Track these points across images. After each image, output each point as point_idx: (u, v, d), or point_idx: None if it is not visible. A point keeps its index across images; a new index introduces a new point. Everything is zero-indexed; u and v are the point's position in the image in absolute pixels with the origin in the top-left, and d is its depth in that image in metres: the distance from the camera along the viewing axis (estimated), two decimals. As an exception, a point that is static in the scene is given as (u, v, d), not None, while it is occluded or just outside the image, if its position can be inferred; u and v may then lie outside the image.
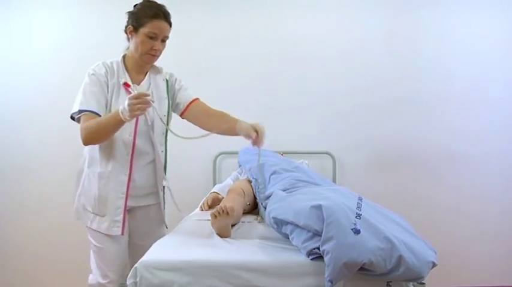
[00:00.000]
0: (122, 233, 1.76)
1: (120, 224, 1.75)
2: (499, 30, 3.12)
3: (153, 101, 1.60)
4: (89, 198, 1.77)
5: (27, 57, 3.07)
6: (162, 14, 1.73)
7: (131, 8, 1.78)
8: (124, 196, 1.76)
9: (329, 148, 3.07)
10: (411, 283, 1.27)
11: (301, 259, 1.34)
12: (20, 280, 3.08)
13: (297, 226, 1.40)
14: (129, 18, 1.77)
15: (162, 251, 1.42)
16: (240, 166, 2.68)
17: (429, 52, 3.10)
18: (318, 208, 1.34)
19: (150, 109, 1.69)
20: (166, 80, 1.91)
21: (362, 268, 1.22)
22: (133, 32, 1.74)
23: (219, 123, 1.86)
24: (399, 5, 3.10)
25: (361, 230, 1.26)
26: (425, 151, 3.10)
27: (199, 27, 3.05)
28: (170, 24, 1.76)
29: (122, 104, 1.57)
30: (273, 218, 1.53)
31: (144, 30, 1.71)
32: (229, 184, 2.40)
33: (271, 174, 2.03)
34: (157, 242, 1.55)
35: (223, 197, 2.18)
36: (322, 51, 3.10)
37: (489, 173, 3.10)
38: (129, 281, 1.30)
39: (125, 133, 1.75)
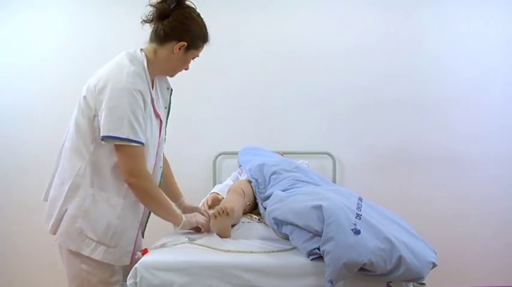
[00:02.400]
0: (131, 262, 1.54)
1: (131, 254, 1.57)
2: (499, 30, 3.11)
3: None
4: (96, 225, 1.51)
5: (27, 57, 3.07)
6: (209, 38, 1.62)
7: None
8: (139, 225, 1.61)
9: (329, 148, 3.07)
10: (411, 284, 1.27)
11: (301, 259, 1.33)
12: (19, 281, 3.08)
13: (297, 226, 1.40)
14: (182, 30, 1.54)
15: (162, 251, 1.42)
16: (240, 166, 2.67)
17: (429, 52, 3.10)
18: (318, 208, 1.34)
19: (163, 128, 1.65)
20: (171, 90, 1.75)
21: (362, 269, 1.22)
22: (184, 49, 1.56)
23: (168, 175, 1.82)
24: (399, 6, 3.10)
25: (361, 230, 1.26)
26: (425, 151, 3.09)
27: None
28: None
29: (150, 124, 1.53)
30: (273, 218, 1.53)
31: (194, 52, 1.60)
32: (229, 184, 2.39)
33: (271, 174, 2.03)
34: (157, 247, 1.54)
35: (223, 198, 2.18)
36: (322, 52, 3.10)
37: (489, 174, 3.10)
38: (129, 282, 1.30)
39: (152, 156, 1.59)
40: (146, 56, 1.56)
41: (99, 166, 1.52)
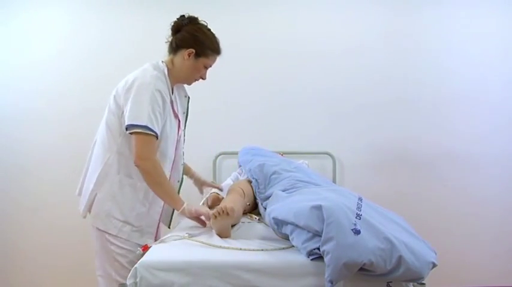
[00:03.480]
0: (155, 240, 1.78)
1: (153, 235, 1.83)
2: (499, 30, 3.12)
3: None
4: (122, 206, 1.74)
5: (27, 57, 3.07)
6: (220, 50, 1.85)
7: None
8: (161, 210, 1.85)
9: (329, 148, 3.07)
10: (411, 284, 1.27)
11: (301, 259, 1.33)
12: (19, 280, 3.08)
13: (297, 226, 1.40)
14: (191, 40, 1.78)
15: (162, 251, 1.42)
16: (240, 166, 2.67)
17: (430, 52, 3.10)
18: (318, 208, 1.34)
19: (181, 127, 1.87)
20: (188, 98, 1.99)
21: (362, 269, 1.22)
22: (193, 56, 1.79)
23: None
24: (400, 5, 3.10)
25: (361, 230, 1.26)
26: (425, 151, 3.10)
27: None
28: None
29: (169, 122, 1.75)
30: (273, 218, 1.53)
31: (204, 60, 1.82)
32: (229, 184, 2.39)
33: (271, 174, 2.03)
34: (157, 242, 1.55)
35: (223, 198, 2.18)
36: (323, 51, 3.10)
37: (489, 174, 3.10)
38: (129, 282, 1.30)
39: (171, 151, 1.82)
40: (166, 65, 1.82)
41: (125, 156, 1.73)
